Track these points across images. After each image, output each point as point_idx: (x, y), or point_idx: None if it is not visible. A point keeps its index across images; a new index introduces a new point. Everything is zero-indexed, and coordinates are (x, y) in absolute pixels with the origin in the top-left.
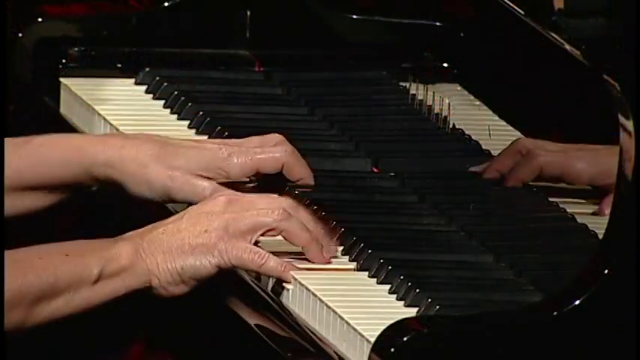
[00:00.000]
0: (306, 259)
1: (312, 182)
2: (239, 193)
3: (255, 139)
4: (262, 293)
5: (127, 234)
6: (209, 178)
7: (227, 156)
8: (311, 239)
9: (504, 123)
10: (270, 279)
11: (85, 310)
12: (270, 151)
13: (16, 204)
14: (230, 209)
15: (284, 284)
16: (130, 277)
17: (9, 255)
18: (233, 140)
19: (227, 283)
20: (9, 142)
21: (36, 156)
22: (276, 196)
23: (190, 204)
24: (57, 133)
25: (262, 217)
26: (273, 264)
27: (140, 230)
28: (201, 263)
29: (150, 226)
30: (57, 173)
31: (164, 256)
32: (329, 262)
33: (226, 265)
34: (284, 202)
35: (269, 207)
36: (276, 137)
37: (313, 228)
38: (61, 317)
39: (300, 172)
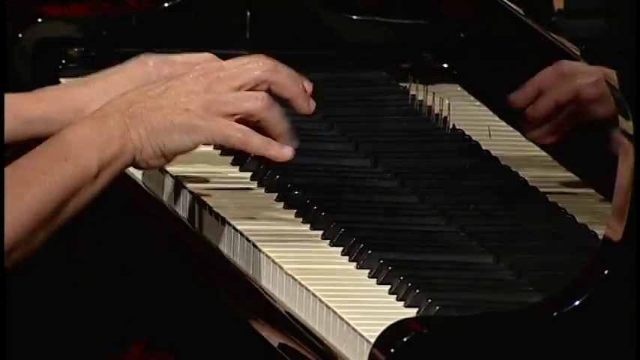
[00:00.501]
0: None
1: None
2: (215, 60)
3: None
4: (262, 294)
5: (106, 110)
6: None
7: (155, 70)
8: (300, 90)
9: (504, 123)
10: (271, 279)
11: (89, 203)
12: (195, 56)
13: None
14: (211, 84)
15: (284, 284)
16: (122, 159)
17: (16, 173)
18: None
19: (227, 283)
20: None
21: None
22: (253, 57)
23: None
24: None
25: (243, 103)
26: (257, 140)
27: (120, 103)
28: (183, 140)
29: (126, 97)
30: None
31: (146, 131)
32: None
33: (208, 141)
34: (263, 65)
35: (248, 80)
36: (205, 55)
37: (296, 90)
38: (72, 218)
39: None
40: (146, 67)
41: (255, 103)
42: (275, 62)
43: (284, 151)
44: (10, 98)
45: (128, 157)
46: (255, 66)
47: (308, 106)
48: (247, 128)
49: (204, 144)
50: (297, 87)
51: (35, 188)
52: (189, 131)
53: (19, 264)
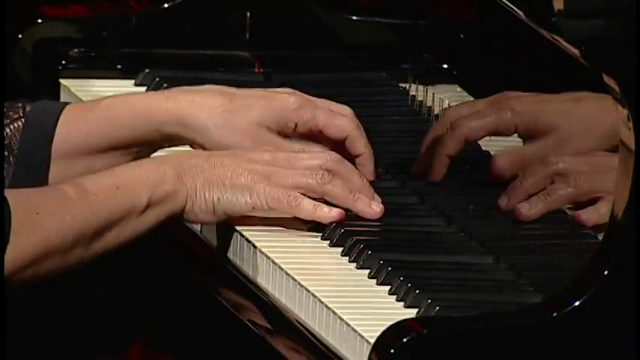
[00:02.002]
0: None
1: (371, 162)
2: (285, 145)
3: (325, 101)
4: (263, 295)
5: (166, 157)
6: (277, 132)
7: (296, 107)
8: (354, 199)
9: None
10: (270, 279)
11: (133, 240)
12: (339, 117)
13: (90, 165)
14: (275, 163)
15: (284, 284)
16: (173, 203)
17: (67, 193)
18: (302, 94)
19: (226, 284)
20: (75, 108)
21: (105, 119)
22: (319, 151)
23: None
24: (124, 94)
25: (304, 178)
26: (306, 205)
27: (180, 155)
28: (238, 200)
29: (190, 153)
30: (126, 134)
31: (204, 183)
32: (378, 214)
33: (262, 206)
34: (327, 157)
35: (311, 165)
36: (345, 109)
37: (357, 183)
38: (111, 250)
39: (361, 147)
40: (290, 103)
41: (315, 178)
42: (334, 163)
43: (331, 216)
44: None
45: (180, 203)
46: (312, 175)
47: (367, 211)
48: (297, 194)
49: (257, 208)
50: (350, 197)
51: (82, 205)
52: (245, 192)
53: (49, 276)
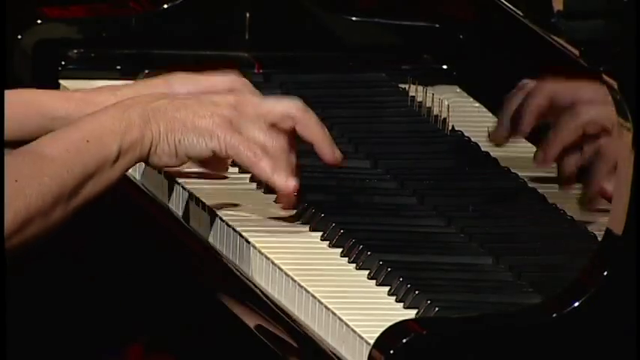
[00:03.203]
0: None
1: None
2: (248, 91)
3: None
4: (262, 295)
5: (129, 101)
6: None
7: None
8: (326, 135)
9: None
10: (270, 280)
11: (107, 189)
12: (216, 77)
13: None
14: (237, 107)
15: (283, 285)
16: (141, 148)
17: (41, 154)
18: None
19: (225, 285)
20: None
21: (9, 110)
22: (282, 103)
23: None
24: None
25: (266, 139)
26: (265, 165)
27: (143, 98)
28: (198, 142)
29: (150, 94)
30: (17, 128)
31: (166, 125)
32: (341, 165)
33: (221, 152)
34: (293, 105)
35: (276, 113)
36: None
37: (325, 129)
38: (89, 203)
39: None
40: (171, 87)
41: (270, 141)
42: (306, 106)
43: (287, 184)
44: (37, 94)
45: (145, 147)
46: (286, 103)
47: (333, 154)
48: (261, 152)
49: (216, 154)
50: (323, 131)
51: (57, 164)
52: (206, 136)
53: (35, 240)
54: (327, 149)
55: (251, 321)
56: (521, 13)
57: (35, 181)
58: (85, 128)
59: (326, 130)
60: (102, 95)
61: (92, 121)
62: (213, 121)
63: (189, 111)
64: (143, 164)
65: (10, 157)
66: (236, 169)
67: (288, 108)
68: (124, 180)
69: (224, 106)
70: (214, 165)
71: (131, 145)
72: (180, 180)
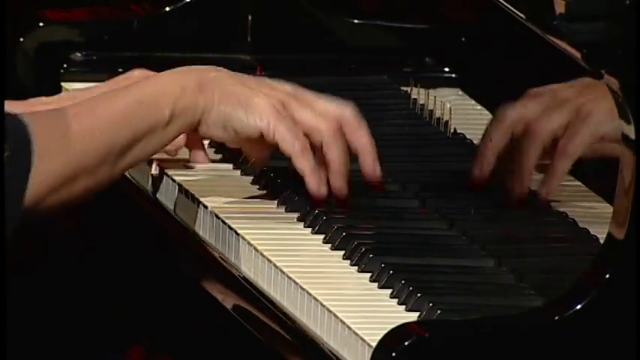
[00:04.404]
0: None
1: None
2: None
3: None
4: (264, 298)
5: (189, 68)
6: None
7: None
8: (372, 148)
9: None
10: (272, 282)
11: (156, 153)
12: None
13: None
14: (294, 95)
15: (285, 288)
16: (192, 114)
17: (93, 110)
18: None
19: (227, 286)
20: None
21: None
22: (338, 105)
23: None
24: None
25: (316, 123)
26: (306, 160)
27: (203, 68)
28: (248, 120)
29: (214, 67)
30: None
31: (220, 96)
32: (375, 184)
33: (268, 134)
34: (345, 111)
35: (326, 113)
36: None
37: (365, 144)
38: (138, 163)
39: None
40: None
41: (324, 130)
42: (359, 114)
43: (319, 189)
44: (10, 105)
45: (197, 115)
46: (341, 105)
47: (374, 168)
48: (307, 147)
49: (263, 135)
50: (371, 143)
51: (108, 123)
52: (257, 115)
53: (80, 197)
54: (370, 162)
55: (253, 323)
56: (523, 16)
57: (85, 138)
58: (138, 91)
59: (373, 143)
60: (79, 98)
61: (147, 84)
62: (267, 102)
63: (245, 87)
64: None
65: (60, 111)
66: (230, 166)
67: (342, 109)
68: (126, 182)
69: (281, 90)
70: (257, 150)
71: (183, 110)
72: (185, 187)
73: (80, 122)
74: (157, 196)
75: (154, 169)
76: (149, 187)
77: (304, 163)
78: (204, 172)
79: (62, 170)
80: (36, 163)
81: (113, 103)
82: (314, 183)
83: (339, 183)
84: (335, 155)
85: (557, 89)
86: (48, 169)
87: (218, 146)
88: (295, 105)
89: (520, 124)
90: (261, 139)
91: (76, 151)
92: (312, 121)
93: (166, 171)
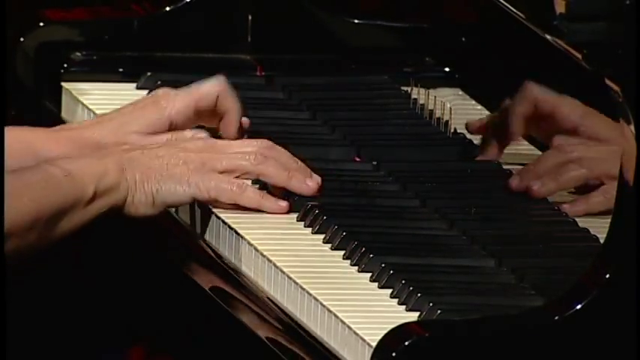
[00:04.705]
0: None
1: (237, 117)
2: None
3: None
4: (264, 298)
5: (106, 151)
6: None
7: (167, 105)
8: (289, 177)
9: None
10: (272, 283)
11: (78, 229)
12: (205, 84)
13: None
14: (207, 150)
15: (285, 287)
16: (116, 195)
17: (28, 176)
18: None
19: (228, 287)
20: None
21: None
22: (250, 140)
23: None
24: (16, 127)
25: (238, 160)
26: (251, 193)
27: (117, 149)
28: (177, 190)
29: (123, 146)
30: (16, 166)
31: (142, 175)
32: (315, 192)
33: (203, 196)
34: (259, 143)
35: (244, 150)
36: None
37: (291, 164)
38: (60, 239)
39: (228, 104)
40: (158, 105)
41: (248, 160)
42: (266, 148)
43: (278, 206)
44: (30, 135)
45: (122, 195)
46: (255, 142)
47: (302, 188)
48: (242, 182)
49: (197, 200)
50: (285, 174)
51: (37, 190)
52: (183, 183)
53: (13, 259)
54: (297, 187)
55: (253, 324)
56: (523, 16)
57: (16, 200)
58: (65, 167)
59: (300, 163)
60: (89, 129)
61: (71, 161)
62: (187, 168)
63: (162, 160)
64: None
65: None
66: None
67: (257, 147)
68: None
69: (194, 150)
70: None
71: (106, 191)
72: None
73: (12, 185)
74: None
75: None
76: None
77: (249, 197)
78: None
79: None
80: None
81: (42, 171)
82: (271, 206)
83: (295, 188)
84: (271, 171)
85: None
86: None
87: None
88: (214, 159)
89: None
90: None
91: (9, 212)
92: (234, 162)
93: None
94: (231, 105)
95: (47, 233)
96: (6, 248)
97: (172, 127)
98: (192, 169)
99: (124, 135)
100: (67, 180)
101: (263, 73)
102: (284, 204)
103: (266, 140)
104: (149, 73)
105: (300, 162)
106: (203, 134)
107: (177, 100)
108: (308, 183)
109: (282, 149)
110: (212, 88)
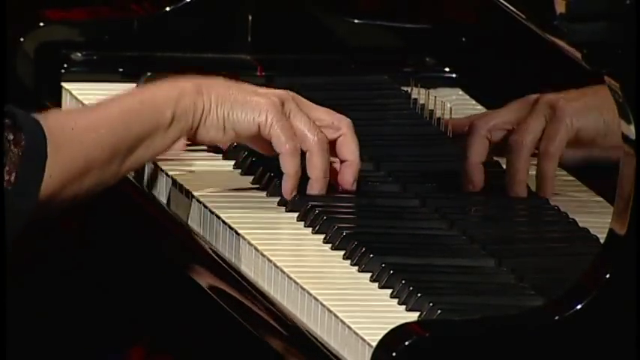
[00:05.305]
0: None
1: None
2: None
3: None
4: (264, 298)
5: (186, 76)
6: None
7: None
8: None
9: None
10: (273, 282)
11: (158, 154)
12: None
13: None
14: (294, 99)
15: (285, 287)
16: (193, 117)
17: (99, 110)
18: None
19: (228, 287)
20: None
21: None
22: (339, 116)
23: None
24: None
25: (310, 128)
26: (290, 162)
27: (199, 77)
28: (247, 117)
29: (214, 76)
30: None
31: (217, 97)
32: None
33: (264, 129)
34: (343, 119)
35: (322, 123)
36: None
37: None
38: (147, 161)
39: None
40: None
41: (315, 134)
42: (353, 127)
43: (291, 193)
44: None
45: (196, 117)
46: (338, 116)
47: (353, 180)
48: (297, 150)
49: (260, 130)
50: (357, 157)
51: (114, 119)
52: (256, 111)
53: (88, 193)
54: (349, 176)
55: (253, 323)
56: (523, 16)
57: (93, 133)
58: (139, 95)
59: (359, 161)
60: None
61: (147, 89)
62: (267, 99)
63: (242, 89)
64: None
65: (69, 110)
66: (230, 166)
67: (339, 120)
68: (128, 183)
69: (281, 92)
70: (263, 146)
71: (183, 113)
72: (191, 190)
73: (87, 119)
74: (153, 192)
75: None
76: (147, 184)
77: (290, 165)
78: (205, 172)
79: (74, 163)
80: (50, 155)
81: (115, 103)
82: (289, 186)
83: (317, 190)
84: (318, 164)
85: (531, 96)
86: (62, 162)
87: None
88: (294, 107)
89: (498, 134)
90: (262, 138)
91: (86, 145)
92: (305, 126)
93: (162, 167)
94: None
95: (128, 163)
96: (86, 182)
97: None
98: (271, 102)
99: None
100: (143, 107)
101: (263, 73)
102: (291, 194)
103: (347, 124)
104: (149, 73)
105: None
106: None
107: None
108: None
109: (355, 144)
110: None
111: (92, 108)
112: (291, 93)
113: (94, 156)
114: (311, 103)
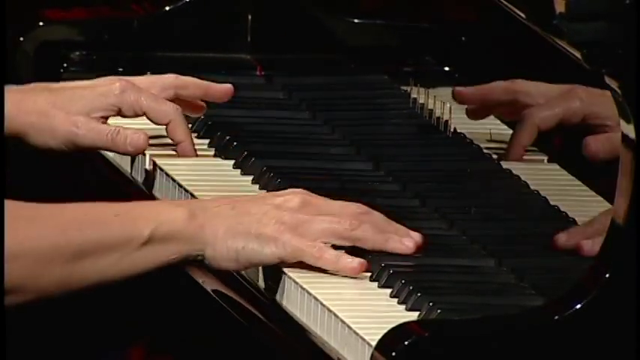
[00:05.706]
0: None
1: (191, 150)
2: (312, 194)
3: (151, 82)
4: (264, 298)
5: (190, 201)
6: (105, 118)
7: (120, 92)
8: (386, 239)
9: (505, 127)
10: (272, 283)
11: (135, 275)
12: (162, 103)
13: None
14: (304, 210)
15: (285, 287)
16: (184, 244)
17: (48, 210)
18: (132, 78)
19: (228, 287)
20: None
21: None
22: (347, 203)
23: (95, 148)
24: None
25: (334, 225)
26: (328, 255)
27: (206, 201)
28: (263, 250)
29: (211, 199)
30: None
31: (227, 231)
32: (416, 250)
33: (286, 257)
34: (354, 208)
35: (341, 213)
36: (170, 80)
37: (386, 227)
38: (111, 279)
39: (182, 135)
40: (113, 88)
41: (343, 225)
42: (362, 212)
43: (352, 267)
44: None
45: (195, 247)
46: (352, 207)
47: (401, 248)
48: (322, 244)
49: (282, 259)
50: (382, 237)
51: (65, 218)
52: (270, 242)
53: (20, 300)
54: (395, 248)
55: (253, 323)
56: (523, 15)
57: (39, 224)
58: (122, 206)
59: (396, 224)
60: (41, 95)
61: (133, 203)
62: (278, 228)
63: (252, 217)
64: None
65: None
66: (230, 166)
67: (352, 211)
68: (128, 183)
69: (288, 210)
70: None
71: (169, 237)
72: (190, 190)
73: (36, 209)
74: (153, 192)
75: (149, 165)
76: (147, 184)
77: (327, 260)
78: (205, 172)
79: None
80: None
81: (85, 208)
82: (345, 266)
83: (394, 249)
84: (367, 236)
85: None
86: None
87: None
88: (308, 220)
89: (548, 122)
90: None
91: (25, 233)
92: (330, 227)
93: (162, 167)
94: (183, 137)
95: (79, 270)
96: (11, 274)
97: (120, 113)
98: (283, 231)
99: (71, 111)
100: (113, 219)
101: (263, 73)
102: (357, 263)
103: (361, 205)
104: (149, 73)
105: (395, 224)
106: (298, 192)
107: (127, 103)
108: (406, 243)
109: (377, 213)
110: (166, 113)
111: (62, 205)
112: (300, 201)
113: (30, 247)
114: (321, 201)
